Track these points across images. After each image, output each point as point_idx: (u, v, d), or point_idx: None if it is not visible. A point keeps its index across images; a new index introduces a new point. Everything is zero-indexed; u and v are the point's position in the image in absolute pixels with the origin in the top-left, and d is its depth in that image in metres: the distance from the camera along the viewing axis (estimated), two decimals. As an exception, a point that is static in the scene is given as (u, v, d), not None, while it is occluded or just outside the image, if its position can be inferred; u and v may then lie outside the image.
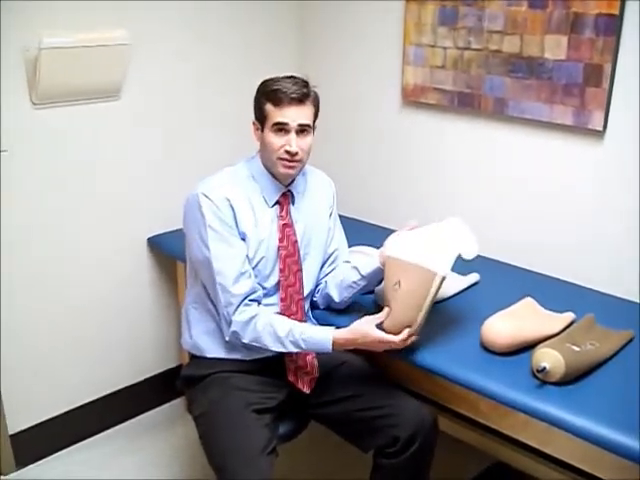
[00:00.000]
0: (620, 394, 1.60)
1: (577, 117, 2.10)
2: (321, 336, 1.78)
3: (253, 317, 1.81)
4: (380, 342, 1.73)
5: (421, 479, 1.88)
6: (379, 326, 1.74)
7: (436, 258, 1.70)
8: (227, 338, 1.86)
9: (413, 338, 1.73)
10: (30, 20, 2.12)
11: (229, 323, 1.83)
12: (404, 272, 1.72)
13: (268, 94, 1.80)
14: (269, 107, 1.80)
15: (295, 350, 1.80)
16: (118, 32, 2.26)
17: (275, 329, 1.79)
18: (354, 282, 1.94)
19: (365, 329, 1.74)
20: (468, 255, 1.76)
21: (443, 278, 1.69)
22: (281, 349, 1.80)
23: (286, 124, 1.79)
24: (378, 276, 1.90)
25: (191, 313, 1.98)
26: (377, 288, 1.99)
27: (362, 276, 1.92)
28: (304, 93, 1.80)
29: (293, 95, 1.77)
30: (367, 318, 1.76)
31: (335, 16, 2.73)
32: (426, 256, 1.71)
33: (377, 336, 1.72)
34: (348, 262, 2.06)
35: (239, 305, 1.81)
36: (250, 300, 1.83)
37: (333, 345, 1.76)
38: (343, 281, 1.96)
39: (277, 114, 1.79)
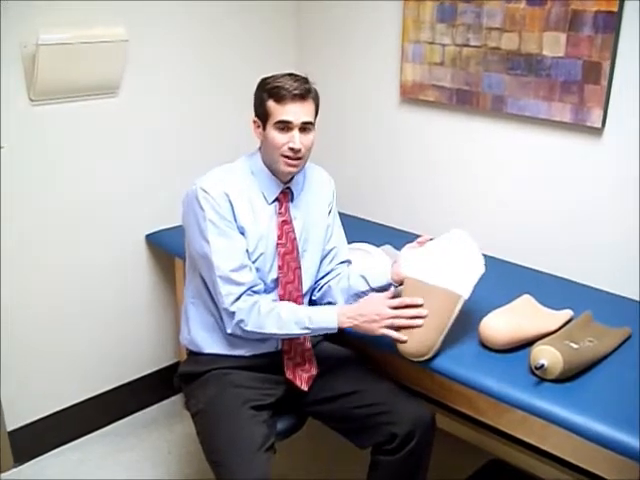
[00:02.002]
0: (618, 391, 1.60)
1: (576, 114, 2.10)
2: (326, 310, 1.81)
3: (256, 302, 1.81)
4: (384, 300, 1.76)
5: (419, 476, 1.87)
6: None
7: (459, 280, 1.73)
8: (229, 330, 1.84)
9: (419, 322, 1.71)
10: (28, 16, 2.11)
11: (232, 313, 1.81)
12: (427, 294, 1.73)
13: (270, 91, 1.79)
14: (271, 104, 1.79)
15: (299, 332, 1.79)
16: (116, 29, 2.26)
17: (279, 312, 1.79)
18: (362, 292, 1.93)
19: (370, 295, 1.79)
20: (479, 272, 1.78)
21: (465, 300, 1.71)
22: (285, 332, 1.79)
23: (290, 122, 1.78)
24: (388, 289, 1.90)
25: (189, 309, 1.97)
26: None
27: (371, 288, 1.91)
28: (306, 89, 1.80)
29: (295, 92, 1.77)
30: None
31: (333, 13, 2.72)
32: (449, 278, 1.73)
33: (382, 297, 1.77)
34: (348, 262, 2.07)
35: (242, 294, 1.81)
36: (253, 291, 1.83)
37: (338, 318, 1.76)
38: (350, 289, 1.95)
39: (280, 111, 1.78)
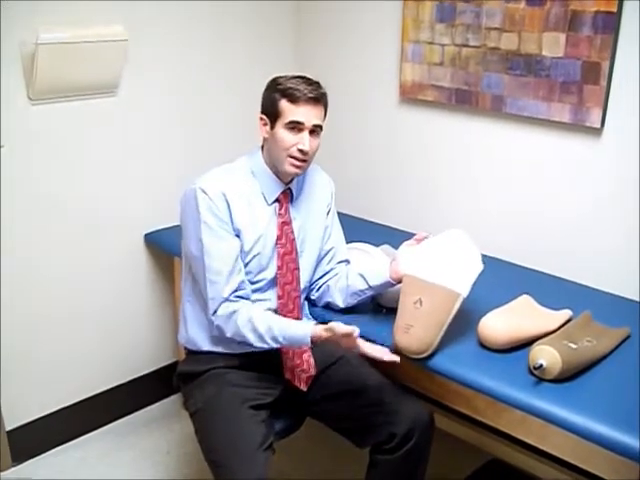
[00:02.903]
0: (617, 391, 1.60)
1: (575, 114, 2.10)
2: (300, 333, 1.76)
3: (234, 312, 1.81)
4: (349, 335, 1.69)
5: (417, 476, 1.88)
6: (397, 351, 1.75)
7: (457, 278, 1.73)
8: (214, 332, 1.87)
9: (395, 358, 1.73)
10: (27, 15, 2.11)
11: (213, 317, 1.83)
12: (426, 291, 1.73)
13: (284, 91, 1.79)
14: (285, 104, 1.79)
15: (276, 346, 1.80)
16: (115, 28, 2.26)
17: (255, 325, 1.78)
18: (361, 290, 1.94)
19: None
20: (477, 270, 1.78)
21: (464, 298, 1.71)
22: (263, 345, 1.80)
23: (302, 123, 1.78)
24: (386, 287, 1.91)
25: (186, 307, 1.98)
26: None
27: (370, 286, 1.92)
28: (321, 93, 1.81)
29: (310, 95, 1.78)
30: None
31: (333, 13, 2.72)
32: (447, 276, 1.73)
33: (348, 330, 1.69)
34: (347, 262, 2.07)
35: (225, 300, 1.82)
36: (236, 296, 1.83)
37: (312, 339, 1.74)
38: (349, 288, 1.95)
39: (293, 112, 1.78)
